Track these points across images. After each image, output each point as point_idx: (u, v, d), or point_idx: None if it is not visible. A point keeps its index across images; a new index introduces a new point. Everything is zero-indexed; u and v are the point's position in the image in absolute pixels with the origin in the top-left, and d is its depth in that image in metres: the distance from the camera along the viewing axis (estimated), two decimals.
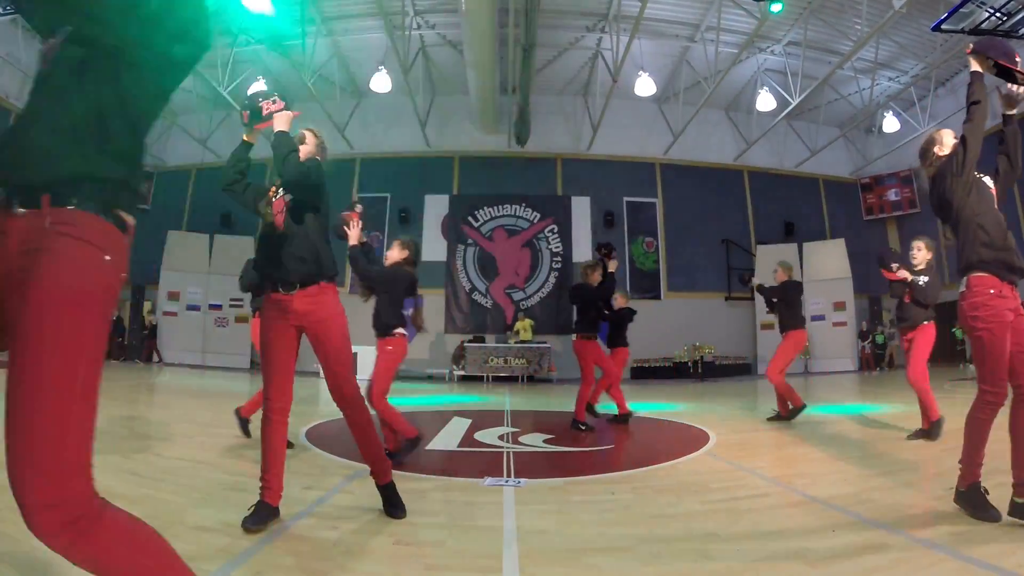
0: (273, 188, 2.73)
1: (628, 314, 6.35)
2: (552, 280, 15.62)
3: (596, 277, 5.67)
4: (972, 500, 2.54)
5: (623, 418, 5.94)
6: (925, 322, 4.92)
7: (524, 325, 14.39)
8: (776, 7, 10.06)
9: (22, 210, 1.06)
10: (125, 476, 3.12)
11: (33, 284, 1.00)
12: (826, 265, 15.15)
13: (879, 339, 15.35)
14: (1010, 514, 2.44)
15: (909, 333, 4.98)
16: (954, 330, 14.09)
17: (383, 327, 4.10)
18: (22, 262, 1.03)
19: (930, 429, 4.55)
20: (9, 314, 1.02)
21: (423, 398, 8.97)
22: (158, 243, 14.42)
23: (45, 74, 1.11)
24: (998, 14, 9.93)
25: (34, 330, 0.99)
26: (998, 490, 2.55)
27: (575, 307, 5.83)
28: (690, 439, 5.18)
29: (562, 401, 6.78)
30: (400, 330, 4.12)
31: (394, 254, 4.24)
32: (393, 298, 4.12)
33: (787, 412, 5.91)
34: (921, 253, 4.98)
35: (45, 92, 1.10)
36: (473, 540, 2.45)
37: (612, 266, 5.60)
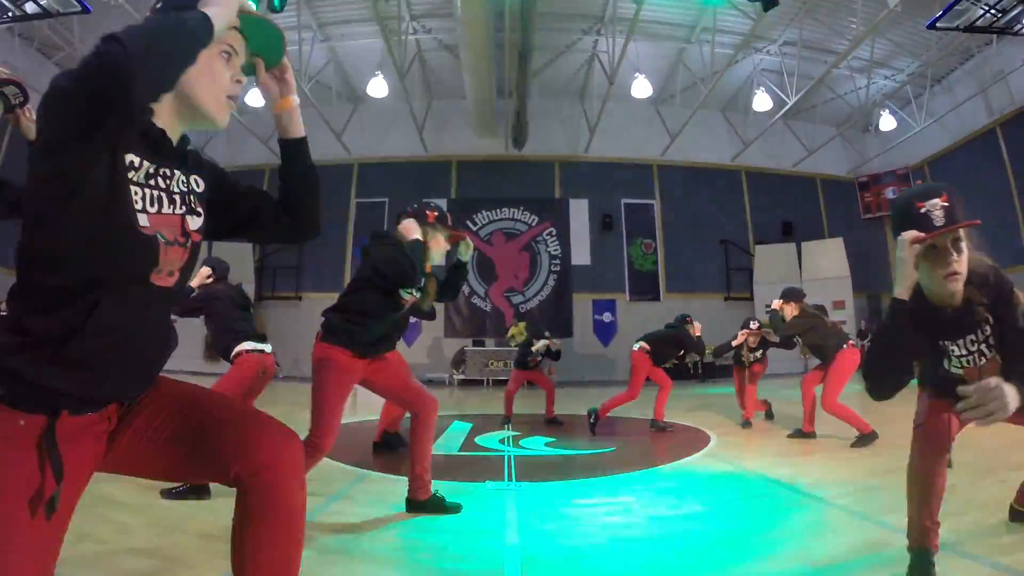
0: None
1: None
2: (551, 283, 15.61)
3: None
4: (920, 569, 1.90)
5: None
6: (844, 347, 4.93)
7: (519, 329, 14.36)
8: None
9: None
10: (129, 483, 3.11)
11: (189, 388, 1.34)
12: (825, 264, 15.16)
13: None
14: (1011, 520, 2.42)
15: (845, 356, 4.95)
16: None
17: None
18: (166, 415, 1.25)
19: (863, 438, 4.55)
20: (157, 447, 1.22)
21: None
22: None
23: (155, 306, 1.20)
24: (993, 11, 9.96)
25: (214, 395, 1.34)
26: (997, 488, 2.55)
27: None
28: (691, 440, 5.19)
29: (563, 403, 6.79)
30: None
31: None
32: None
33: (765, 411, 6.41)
34: (787, 308, 5.28)
35: (155, 321, 1.23)
36: (475, 544, 2.45)
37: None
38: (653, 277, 15.96)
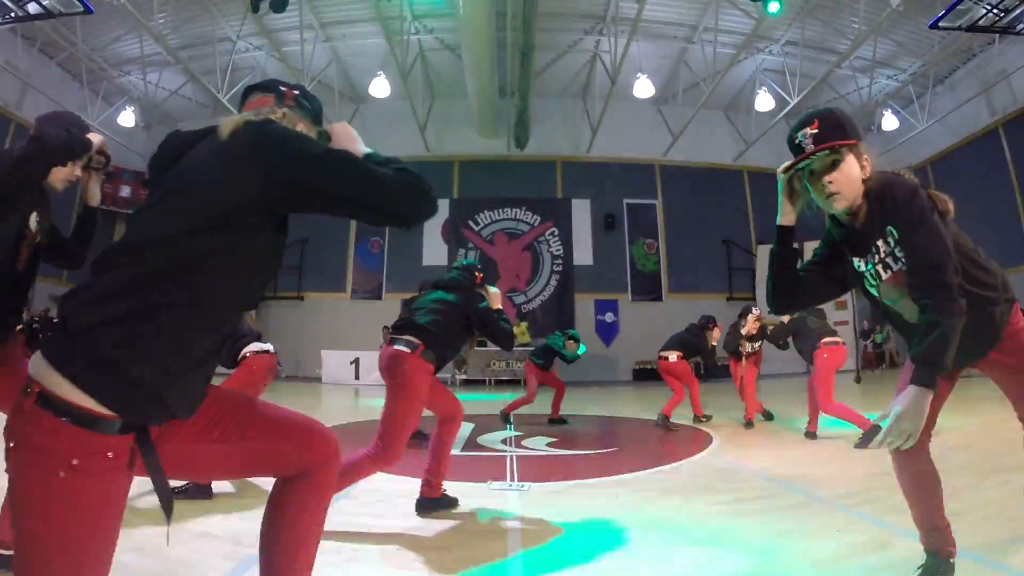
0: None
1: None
2: (553, 283, 15.61)
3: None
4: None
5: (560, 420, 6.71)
6: (824, 339, 5.09)
7: (521, 329, 14.37)
8: (774, 6, 10.00)
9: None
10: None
11: (219, 391, 1.34)
12: None
13: (878, 339, 15.31)
14: None
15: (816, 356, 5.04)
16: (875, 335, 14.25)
17: None
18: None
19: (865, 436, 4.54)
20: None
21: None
22: None
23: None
24: (995, 10, 9.93)
25: (249, 398, 1.41)
26: (1001, 489, 2.54)
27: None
28: (693, 441, 5.18)
29: (564, 403, 6.77)
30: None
31: None
32: None
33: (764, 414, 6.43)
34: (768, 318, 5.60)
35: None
36: (477, 544, 2.45)
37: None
38: (655, 277, 15.95)
